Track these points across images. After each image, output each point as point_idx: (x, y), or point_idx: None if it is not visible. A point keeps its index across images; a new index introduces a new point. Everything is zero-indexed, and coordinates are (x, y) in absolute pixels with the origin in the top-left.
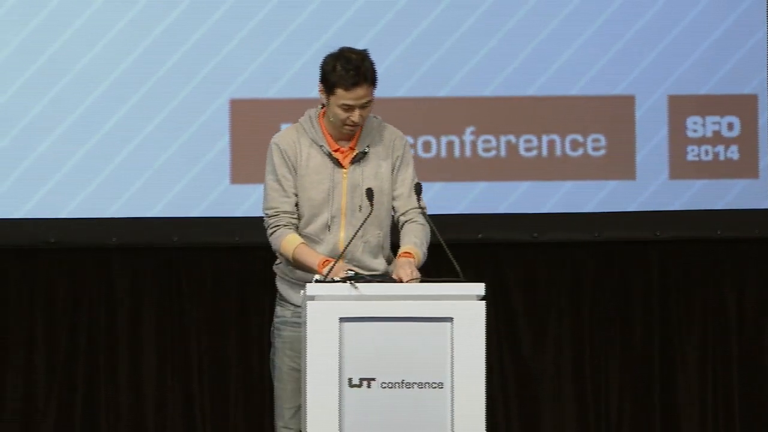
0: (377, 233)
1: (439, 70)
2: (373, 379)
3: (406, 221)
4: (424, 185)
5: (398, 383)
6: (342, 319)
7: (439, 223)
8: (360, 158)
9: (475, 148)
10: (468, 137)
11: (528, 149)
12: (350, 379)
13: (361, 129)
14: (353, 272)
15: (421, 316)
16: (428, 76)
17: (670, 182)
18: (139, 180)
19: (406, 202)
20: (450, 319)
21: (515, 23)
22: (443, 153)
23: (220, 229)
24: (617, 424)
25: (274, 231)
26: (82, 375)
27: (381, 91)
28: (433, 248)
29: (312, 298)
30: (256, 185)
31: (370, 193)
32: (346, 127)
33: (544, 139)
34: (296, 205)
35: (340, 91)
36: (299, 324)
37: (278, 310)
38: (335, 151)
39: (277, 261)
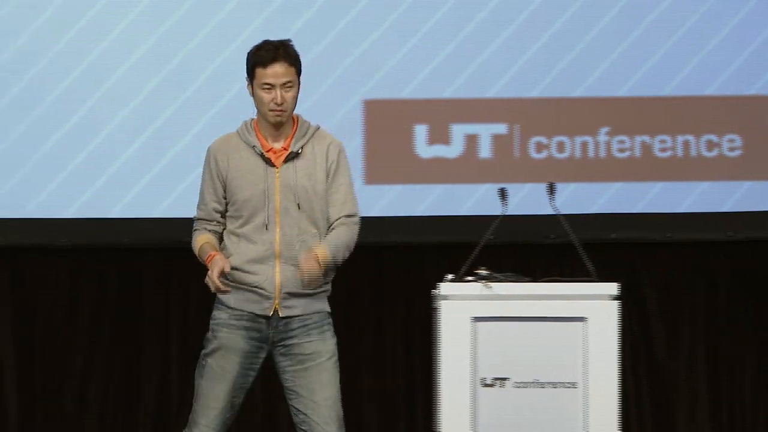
0: (313, 232)
1: (574, 70)
2: (507, 379)
3: (333, 228)
4: (559, 186)
5: (531, 383)
6: (475, 319)
7: (573, 223)
8: (293, 158)
9: (610, 149)
10: (602, 138)
11: (662, 150)
12: (483, 379)
13: (295, 130)
14: (477, 273)
15: (554, 315)
16: (562, 77)
17: None
18: None
19: (339, 208)
20: (583, 319)
21: (649, 24)
22: (577, 153)
23: None
24: (752, 425)
25: (193, 231)
26: None
27: (516, 91)
28: (567, 248)
29: (445, 297)
30: (390, 186)
31: (503, 192)
32: (272, 112)
33: (679, 139)
34: (216, 210)
35: (259, 70)
36: (235, 326)
37: (215, 313)
38: (267, 151)
39: None
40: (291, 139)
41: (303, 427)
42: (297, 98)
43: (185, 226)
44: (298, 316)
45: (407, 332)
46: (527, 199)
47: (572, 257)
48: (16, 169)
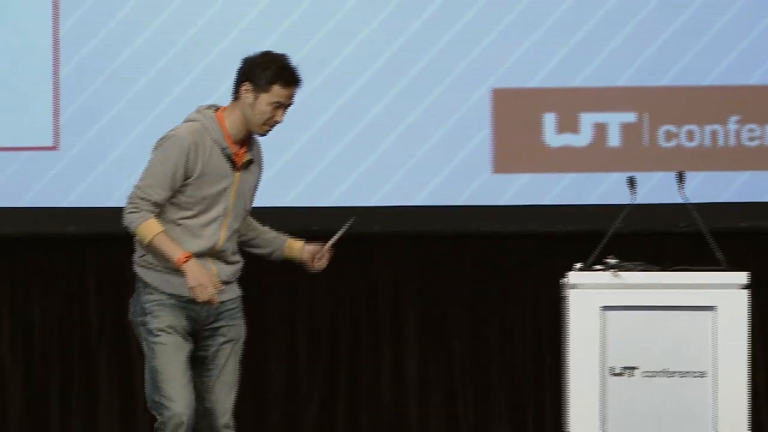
0: (238, 232)
1: (703, 58)
2: (636, 368)
3: (251, 223)
4: (688, 174)
5: (660, 372)
6: (604, 308)
7: (702, 211)
8: (248, 165)
9: (739, 137)
10: (732, 126)
11: None
12: (612, 368)
13: (251, 137)
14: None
15: (683, 304)
16: (692, 65)
17: None
18: (402, 169)
19: (251, 207)
20: (713, 308)
21: None
22: (707, 142)
23: (482, 217)
24: None
25: (135, 211)
26: (344, 365)
27: (645, 80)
28: (696, 237)
29: (574, 286)
30: (519, 175)
31: (632, 181)
32: (265, 126)
33: None
34: (165, 199)
35: (276, 88)
36: (177, 307)
37: (148, 297)
38: (234, 153)
39: (141, 254)
40: (246, 145)
41: (205, 395)
42: None
43: (312, 215)
44: (226, 300)
45: (535, 322)
46: (656, 188)
47: (702, 246)
48: None
